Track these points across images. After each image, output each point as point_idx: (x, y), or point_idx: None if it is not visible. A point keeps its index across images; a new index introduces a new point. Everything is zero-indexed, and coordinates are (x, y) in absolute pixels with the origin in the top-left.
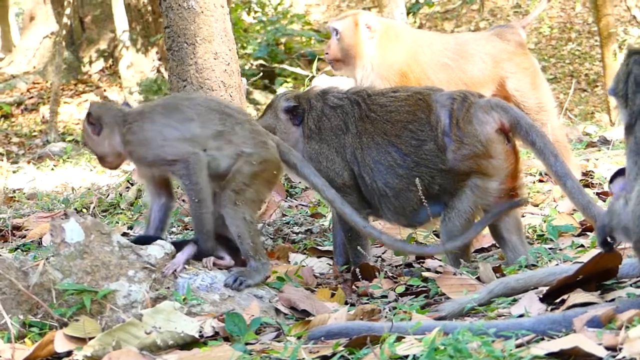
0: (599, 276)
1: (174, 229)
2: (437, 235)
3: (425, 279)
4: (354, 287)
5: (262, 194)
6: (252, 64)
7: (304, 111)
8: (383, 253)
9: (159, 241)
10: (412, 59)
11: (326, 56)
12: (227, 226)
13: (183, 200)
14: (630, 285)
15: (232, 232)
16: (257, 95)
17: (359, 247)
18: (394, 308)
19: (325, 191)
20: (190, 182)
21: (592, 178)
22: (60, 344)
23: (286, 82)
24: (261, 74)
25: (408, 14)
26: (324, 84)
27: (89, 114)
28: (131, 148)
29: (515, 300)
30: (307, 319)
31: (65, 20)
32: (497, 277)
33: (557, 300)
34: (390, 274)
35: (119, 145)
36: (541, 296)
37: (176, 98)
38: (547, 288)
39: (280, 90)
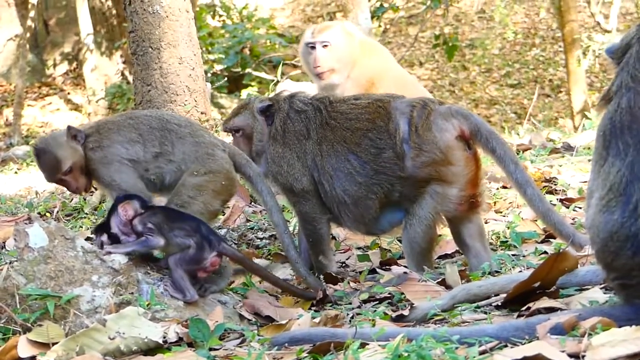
0: (555, 280)
1: None
2: (400, 242)
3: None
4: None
5: (211, 205)
6: (216, 70)
7: (275, 111)
8: (347, 259)
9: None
10: (383, 71)
11: (318, 69)
12: None
13: None
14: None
15: None
16: (222, 100)
17: (321, 255)
18: (358, 314)
19: (274, 213)
20: None
21: (555, 185)
22: (24, 349)
23: (251, 86)
24: (226, 79)
25: (372, 18)
26: (292, 89)
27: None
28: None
29: (478, 307)
30: (271, 324)
31: (29, 22)
32: (462, 282)
33: (523, 308)
34: (354, 281)
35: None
36: (500, 303)
37: (123, 116)
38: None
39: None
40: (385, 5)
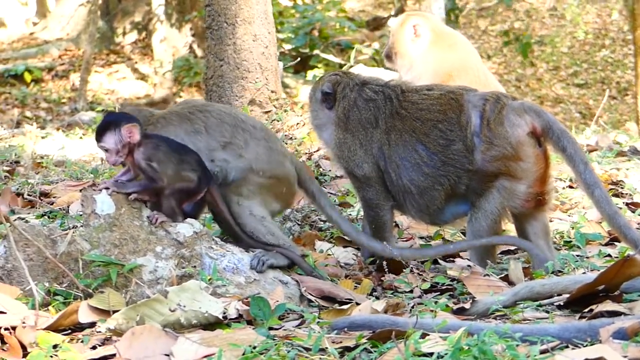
0: (620, 284)
1: None
2: (464, 234)
3: (452, 278)
4: (379, 280)
5: (269, 205)
6: (284, 49)
7: (336, 100)
8: (410, 247)
9: (188, 219)
10: (461, 66)
11: (383, 52)
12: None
13: None
14: None
15: (247, 230)
16: (287, 79)
17: (385, 242)
18: (419, 304)
19: (341, 224)
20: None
21: (622, 188)
22: (84, 315)
23: (317, 68)
24: (299, 59)
25: (448, 14)
26: (366, 74)
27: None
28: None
29: (540, 306)
30: (331, 308)
31: None
32: (525, 280)
33: (585, 310)
34: (417, 270)
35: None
36: (562, 303)
37: (191, 107)
38: (568, 295)
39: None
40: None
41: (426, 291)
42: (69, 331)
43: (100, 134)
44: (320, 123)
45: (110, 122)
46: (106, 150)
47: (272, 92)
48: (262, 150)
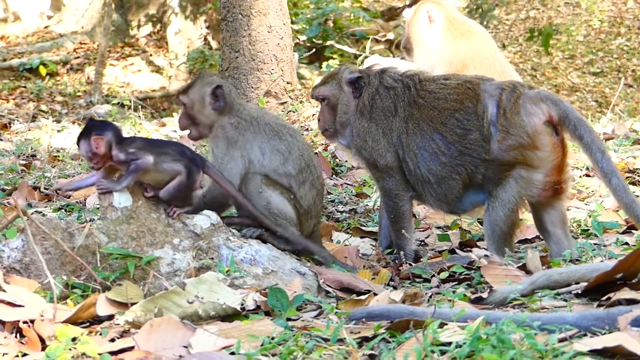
0: (638, 272)
1: None
2: (481, 223)
3: (469, 267)
4: (397, 270)
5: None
6: (299, 40)
7: (365, 85)
8: (427, 237)
9: (205, 211)
10: (476, 55)
11: (401, 43)
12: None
13: None
14: None
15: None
16: (302, 70)
17: (402, 231)
18: (437, 294)
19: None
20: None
21: (638, 176)
22: (102, 308)
23: (332, 58)
24: (314, 50)
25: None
26: (382, 64)
27: (219, 87)
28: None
29: (557, 294)
30: (349, 298)
31: None
32: (543, 269)
33: (603, 298)
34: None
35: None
36: (580, 291)
37: (281, 125)
38: (586, 284)
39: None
40: None
41: (444, 281)
42: (87, 324)
43: (77, 140)
44: (345, 118)
45: (84, 131)
46: (84, 156)
47: (288, 83)
48: (312, 194)
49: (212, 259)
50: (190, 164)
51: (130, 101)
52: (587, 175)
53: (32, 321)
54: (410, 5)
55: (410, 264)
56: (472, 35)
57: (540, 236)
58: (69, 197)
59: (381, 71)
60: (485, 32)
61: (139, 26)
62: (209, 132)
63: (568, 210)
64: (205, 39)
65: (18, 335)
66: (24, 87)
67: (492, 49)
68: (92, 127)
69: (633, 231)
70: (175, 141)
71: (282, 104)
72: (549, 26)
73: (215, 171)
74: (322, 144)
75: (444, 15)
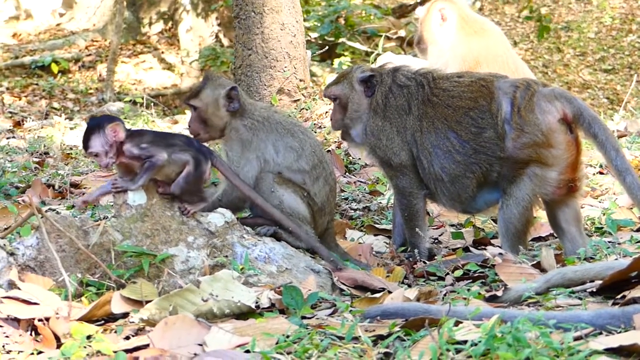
0: None
1: None
2: (495, 221)
3: (483, 265)
4: (411, 268)
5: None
6: (310, 37)
7: (377, 83)
8: (440, 235)
9: (219, 209)
10: (486, 59)
11: (413, 41)
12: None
13: None
14: None
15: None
16: (314, 67)
17: (416, 229)
18: (452, 292)
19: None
20: None
21: None
22: (117, 305)
23: (344, 55)
24: (327, 47)
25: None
26: (395, 62)
27: (233, 88)
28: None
29: (572, 292)
30: (363, 296)
31: None
32: (557, 267)
33: (618, 296)
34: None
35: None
36: (595, 290)
37: (292, 123)
38: (601, 282)
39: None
40: None
41: (458, 279)
42: (102, 322)
43: (86, 141)
44: (356, 116)
45: (93, 126)
46: (96, 155)
47: (301, 80)
48: (326, 190)
49: (227, 256)
50: (197, 154)
51: (143, 98)
52: (601, 173)
53: (47, 319)
54: (422, 3)
55: (424, 262)
56: (485, 33)
57: (555, 234)
58: (82, 195)
59: (394, 69)
60: (498, 29)
61: (150, 24)
62: (220, 135)
63: (582, 208)
64: (217, 36)
65: (33, 332)
66: (36, 84)
67: (505, 46)
68: (101, 120)
69: None
70: (182, 134)
71: (295, 101)
72: (549, 17)
73: (223, 164)
74: (335, 142)
75: (457, 13)
